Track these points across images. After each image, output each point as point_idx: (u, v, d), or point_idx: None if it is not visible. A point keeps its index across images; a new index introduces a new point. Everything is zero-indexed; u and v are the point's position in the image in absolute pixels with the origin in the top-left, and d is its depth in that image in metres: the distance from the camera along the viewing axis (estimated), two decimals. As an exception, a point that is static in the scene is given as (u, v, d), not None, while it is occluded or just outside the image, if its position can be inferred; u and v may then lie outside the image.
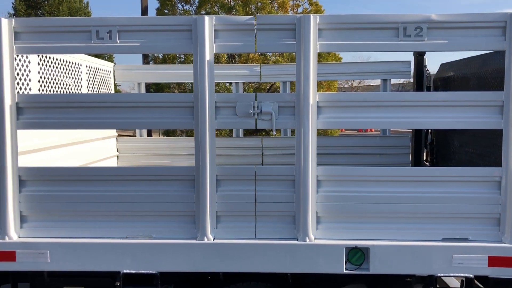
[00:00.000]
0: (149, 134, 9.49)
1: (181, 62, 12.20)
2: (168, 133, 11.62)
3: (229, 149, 5.27)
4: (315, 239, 2.94)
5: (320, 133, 12.38)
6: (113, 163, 5.50)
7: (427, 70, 4.90)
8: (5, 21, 2.92)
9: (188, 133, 11.09)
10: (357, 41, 2.90)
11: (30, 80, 3.63)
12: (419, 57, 4.91)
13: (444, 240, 2.92)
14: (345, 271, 2.93)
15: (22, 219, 3.06)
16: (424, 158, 5.12)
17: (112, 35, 2.94)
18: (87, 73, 4.99)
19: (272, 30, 2.91)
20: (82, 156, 4.51)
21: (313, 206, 2.92)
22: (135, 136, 6.17)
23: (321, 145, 5.15)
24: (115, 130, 6.04)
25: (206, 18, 2.88)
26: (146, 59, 12.00)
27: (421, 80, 4.92)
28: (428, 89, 4.78)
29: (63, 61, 4.36)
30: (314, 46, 2.87)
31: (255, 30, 2.92)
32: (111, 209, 3.03)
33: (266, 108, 2.92)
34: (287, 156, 4.96)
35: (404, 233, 2.94)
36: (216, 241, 2.97)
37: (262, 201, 2.98)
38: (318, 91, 2.89)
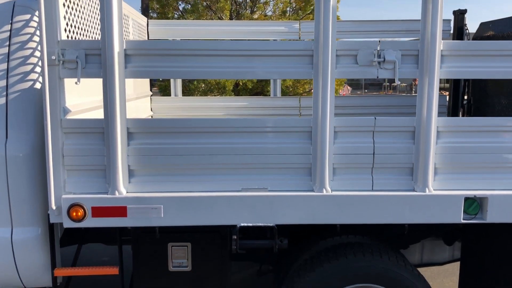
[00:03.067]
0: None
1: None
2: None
3: (267, 109, 5.18)
4: (433, 190, 2.95)
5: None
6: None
7: (467, 29, 4.89)
8: (113, -41, 2.69)
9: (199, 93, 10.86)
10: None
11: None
12: (460, 15, 4.89)
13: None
14: (462, 221, 2.96)
15: (130, 174, 2.92)
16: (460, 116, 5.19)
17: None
18: (132, 27, 4.75)
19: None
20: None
21: (432, 157, 2.90)
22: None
23: (362, 104, 5.18)
24: (149, 89, 5.85)
25: (331, -40, 2.73)
26: (146, 12, 11.53)
27: (461, 38, 4.92)
28: None
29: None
30: (442, -8, 2.78)
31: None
32: (224, 162, 2.92)
33: (389, 57, 2.84)
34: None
35: (520, 182, 2.98)
36: (335, 193, 2.92)
37: (380, 153, 2.94)
38: None
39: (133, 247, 3.13)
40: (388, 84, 34.81)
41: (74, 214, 2.85)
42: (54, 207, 2.86)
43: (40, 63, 3.00)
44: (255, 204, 2.91)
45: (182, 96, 5.96)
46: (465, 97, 5.06)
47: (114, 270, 3.09)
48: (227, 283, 3.19)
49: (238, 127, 2.92)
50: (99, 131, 2.86)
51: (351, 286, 3.12)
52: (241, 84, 11.57)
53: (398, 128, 2.94)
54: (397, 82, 2.89)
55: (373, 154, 2.94)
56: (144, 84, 5.49)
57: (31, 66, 3.03)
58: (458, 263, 3.95)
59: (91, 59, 2.81)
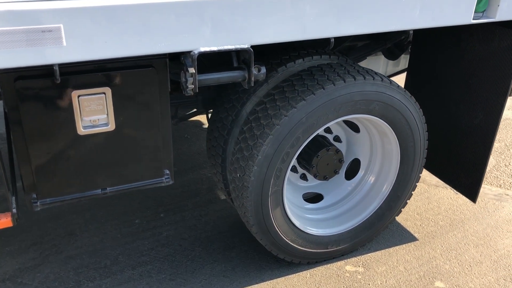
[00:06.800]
0: None
1: None
2: None
3: None
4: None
5: None
6: None
7: None
8: None
9: None
10: None
11: None
12: None
13: None
14: (471, 21, 2.32)
15: (-15, -31, 1.53)
16: None
17: None
18: None
19: None
20: None
21: None
22: None
23: None
24: None
25: None
26: None
27: None
28: None
29: None
30: None
31: None
32: None
33: None
34: None
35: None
36: None
37: None
38: None
39: (9, 106, 1.85)
40: None
41: None
42: None
43: None
44: (218, 15, 1.81)
45: None
46: None
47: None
48: (168, 141, 2.19)
49: None
50: None
51: (335, 121, 2.40)
52: None
53: None
54: None
55: None
56: None
57: None
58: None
59: None
